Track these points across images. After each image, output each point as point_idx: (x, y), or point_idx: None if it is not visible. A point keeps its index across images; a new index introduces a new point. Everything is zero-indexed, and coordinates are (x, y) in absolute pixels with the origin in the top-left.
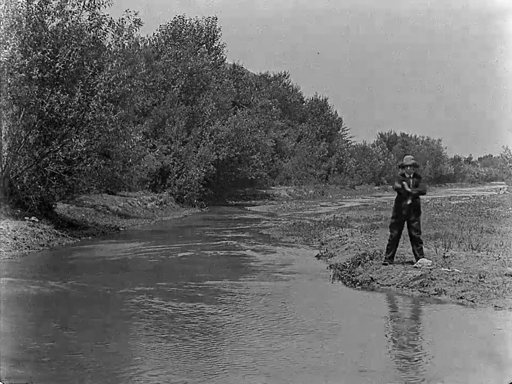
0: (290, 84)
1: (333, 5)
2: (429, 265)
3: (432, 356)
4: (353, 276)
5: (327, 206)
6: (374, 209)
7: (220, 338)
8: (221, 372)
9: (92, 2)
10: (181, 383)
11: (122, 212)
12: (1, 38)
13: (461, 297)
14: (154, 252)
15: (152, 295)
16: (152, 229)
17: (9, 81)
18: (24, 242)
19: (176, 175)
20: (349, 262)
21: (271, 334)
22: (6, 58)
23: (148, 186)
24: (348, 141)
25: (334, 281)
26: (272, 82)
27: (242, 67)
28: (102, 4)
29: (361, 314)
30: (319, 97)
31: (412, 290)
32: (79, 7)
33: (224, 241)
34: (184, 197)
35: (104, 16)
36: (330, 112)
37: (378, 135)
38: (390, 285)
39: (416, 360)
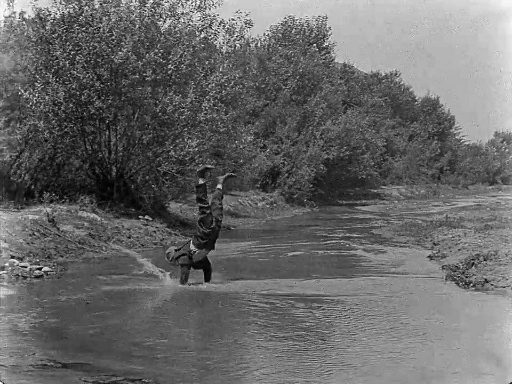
0: (402, 82)
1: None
2: None
3: None
4: (466, 277)
5: (439, 205)
6: (488, 209)
7: (329, 338)
8: (329, 372)
9: (203, 3)
10: (291, 383)
11: (233, 211)
12: (116, 41)
13: None
14: (264, 251)
15: (262, 294)
16: (262, 228)
17: (123, 83)
18: (138, 240)
19: (286, 175)
20: (462, 263)
21: (380, 335)
22: (121, 60)
23: (258, 185)
24: (460, 140)
25: (446, 282)
26: (383, 81)
27: (352, 66)
28: (213, 4)
29: (474, 316)
30: (431, 95)
31: None
32: (190, 8)
33: (334, 241)
34: (294, 196)
35: (215, 16)
36: (442, 111)
37: (494, 134)
38: (505, 287)
39: None
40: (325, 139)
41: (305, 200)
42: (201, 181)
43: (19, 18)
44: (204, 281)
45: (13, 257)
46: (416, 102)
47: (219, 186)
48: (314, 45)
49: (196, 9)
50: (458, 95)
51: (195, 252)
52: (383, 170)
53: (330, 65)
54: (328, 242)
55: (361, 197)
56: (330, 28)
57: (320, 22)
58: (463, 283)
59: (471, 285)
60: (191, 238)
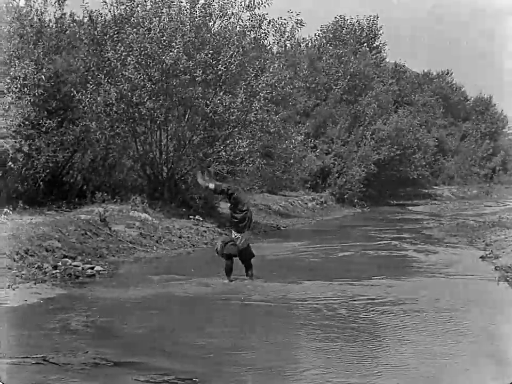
0: (454, 81)
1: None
2: None
3: None
4: None
5: (491, 206)
6: None
7: (381, 339)
8: (380, 373)
9: (252, 2)
10: (341, 383)
11: (283, 211)
12: (167, 41)
13: None
14: (314, 251)
15: (313, 294)
16: (312, 228)
17: (174, 83)
18: (189, 240)
19: (336, 175)
20: None
21: (433, 337)
22: (172, 61)
23: (309, 186)
24: None
25: (499, 284)
26: (434, 80)
27: (404, 65)
28: (262, 4)
29: None
30: (484, 95)
31: None
32: (240, 8)
33: (385, 242)
34: (345, 196)
35: (264, 16)
36: (495, 111)
37: None
38: None
39: None
40: (375, 139)
41: (355, 201)
42: (211, 185)
43: (70, 19)
44: (246, 276)
45: (65, 256)
46: (468, 102)
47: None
48: (365, 44)
49: (246, 9)
50: None
51: (238, 237)
52: (434, 170)
53: (381, 64)
54: (379, 242)
55: (412, 197)
56: (381, 27)
57: (371, 22)
58: None
59: None
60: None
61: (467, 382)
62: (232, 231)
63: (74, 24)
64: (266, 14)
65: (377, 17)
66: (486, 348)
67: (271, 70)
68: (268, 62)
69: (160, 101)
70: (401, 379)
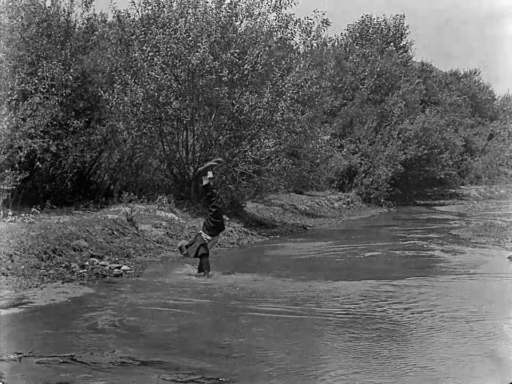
0: (481, 81)
1: None
2: None
3: None
4: None
5: None
6: None
7: (407, 339)
8: (406, 374)
9: (278, 2)
10: None
11: (309, 211)
12: (193, 42)
13: None
14: (341, 251)
15: (339, 294)
16: (339, 228)
17: (200, 83)
18: None
19: (363, 175)
20: None
21: (460, 337)
22: (198, 61)
23: (335, 185)
24: None
25: None
26: (462, 79)
27: (430, 65)
28: (288, 3)
29: None
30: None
31: None
32: (267, 8)
33: (412, 241)
34: (371, 196)
35: (291, 16)
36: None
37: None
38: None
39: None
40: (402, 138)
41: (382, 200)
42: (205, 181)
43: (100, 20)
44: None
45: (92, 256)
46: (495, 101)
47: (210, 175)
48: (392, 44)
49: (272, 9)
50: None
51: (209, 240)
52: (461, 170)
53: (408, 64)
54: (405, 242)
55: (439, 197)
56: (408, 26)
57: (397, 21)
58: None
59: None
60: (267, 237)
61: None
62: (201, 234)
63: (103, 24)
64: (293, 14)
65: (404, 17)
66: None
67: (297, 69)
68: (294, 61)
69: (187, 101)
70: (427, 380)
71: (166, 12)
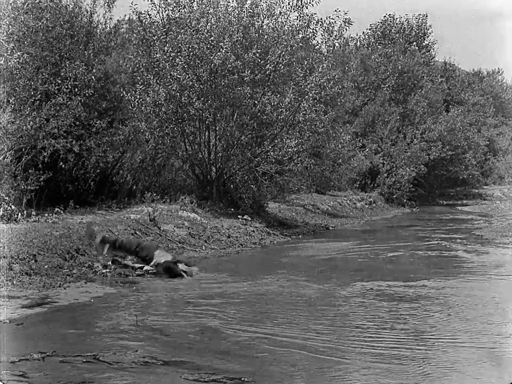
0: (504, 80)
1: None
2: None
3: None
4: None
5: None
6: None
7: (431, 340)
8: (430, 375)
9: (300, 1)
10: None
11: (331, 211)
12: (215, 42)
13: None
14: (363, 251)
15: (362, 295)
16: (361, 228)
17: (222, 83)
18: (237, 240)
19: (385, 175)
20: None
21: (485, 337)
22: (220, 61)
23: (357, 185)
24: None
25: None
26: (485, 79)
27: (453, 64)
28: (310, 2)
29: None
30: None
31: None
32: (288, 8)
33: (435, 242)
34: (394, 196)
35: (312, 15)
36: None
37: None
38: None
39: None
40: (425, 138)
41: (405, 200)
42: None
43: (126, 21)
44: None
45: (115, 255)
46: None
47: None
48: (414, 43)
49: (294, 9)
50: None
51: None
52: (484, 170)
53: (431, 63)
54: (428, 243)
55: (462, 197)
56: (430, 26)
57: (420, 20)
58: None
59: None
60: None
61: None
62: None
63: (127, 25)
64: (315, 13)
65: (427, 16)
66: None
67: (319, 70)
68: (316, 61)
69: (209, 101)
70: (450, 381)
71: (186, 12)
